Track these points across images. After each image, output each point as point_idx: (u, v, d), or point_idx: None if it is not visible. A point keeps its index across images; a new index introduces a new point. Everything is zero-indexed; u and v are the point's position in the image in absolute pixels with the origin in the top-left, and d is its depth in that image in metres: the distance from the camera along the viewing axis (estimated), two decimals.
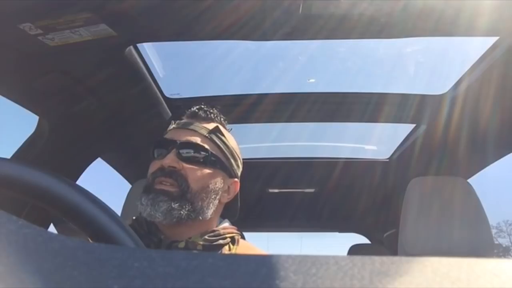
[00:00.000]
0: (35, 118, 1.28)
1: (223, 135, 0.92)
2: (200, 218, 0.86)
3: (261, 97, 1.55)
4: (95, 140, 1.51)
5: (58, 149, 1.37)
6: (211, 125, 0.92)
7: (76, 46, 1.03)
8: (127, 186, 1.80)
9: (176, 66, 1.57)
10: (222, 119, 0.96)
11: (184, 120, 0.94)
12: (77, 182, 1.49)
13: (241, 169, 0.98)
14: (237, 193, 0.97)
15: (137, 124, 1.55)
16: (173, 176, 0.84)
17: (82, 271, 0.22)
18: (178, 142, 0.86)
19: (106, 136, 1.54)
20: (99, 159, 1.63)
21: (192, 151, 0.87)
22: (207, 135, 0.89)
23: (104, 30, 0.98)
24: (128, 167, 1.87)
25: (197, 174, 0.86)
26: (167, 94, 1.53)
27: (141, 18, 0.99)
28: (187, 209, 0.83)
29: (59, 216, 0.40)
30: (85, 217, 0.39)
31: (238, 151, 0.96)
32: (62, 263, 0.22)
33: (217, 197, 0.89)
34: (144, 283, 0.21)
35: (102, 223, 0.39)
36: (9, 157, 1.29)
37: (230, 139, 0.94)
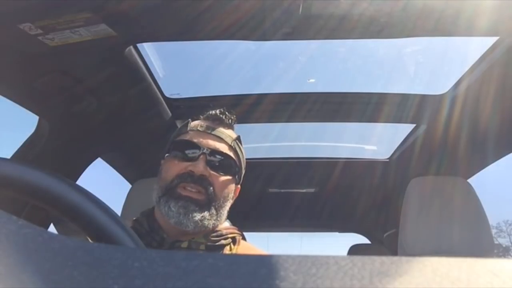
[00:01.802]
0: (35, 118, 1.28)
1: (242, 144, 0.94)
2: (217, 224, 0.88)
3: (261, 97, 1.55)
4: (95, 140, 1.51)
5: (58, 149, 1.37)
6: (232, 133, 0.93)
7: (76, 46, 1.03)
8: (127, 186, 1.80)
9: (176, 66, 1.57)
10: (234, 124, 0.97)
11: (206, 123, 0.93)
12: (77, 182, 1.49)
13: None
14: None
15: (137, 124, 1.55)
16: (203, 184, 0.84)
17: (82, 271, 0.22)
18: (208, 149, 0.86)
19: (106, 136, 1.54)
20: (99, 159, 1.63)
21: (220, 159, 0.87)
22: (231, 143, 0.90)
23: (104, 30, 0.98)
24: (128, 167, 1.87)
25: (222, 182, 0.87)
26: (167, 94, 1.53)
27: (141, 18, 0.99)
28: (214, 218, 0.84)
29: (59, 216, 0.40)
30: (85, 217, 0.39)
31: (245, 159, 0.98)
32: (62, 263, 0.22)
33: (230, 203, 0.91)
34: (144, 283, 0.21)
35: (102, 223, 0.39)
36: (9, 157, 1.29)
37: (243, 147, 0.96)
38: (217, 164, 0.87)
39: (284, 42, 1.16)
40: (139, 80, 1.33)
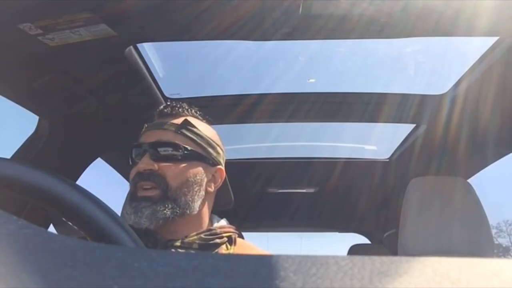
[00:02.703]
0: (35, 118, 1.28)
1: (193, 126, 0.91)
2: (188, 212, 0.86)
3: (261, 97, 1.55)
4: (95, 140, 1.51)
5: (58, 149, 1.37)
6: (179, 120, 0.91)
7: (76, 46, 1.03)
8: (127, 186, 1.80)
9: (176, 66, 1.57)
10: (193, 111, 0.95)
11: (153, 121, 0.94)
12: (77, 182, 1.49)
13: (223, 155, 0.97)
14: (225, 179, 0.97)
15: (137, 124, 1.55)
16: (151, 178, 0.84)
17: (82, 271, 0.22)
18: (149, 145, 0.87)
19: (106, 136, 1.54)
20: (99, 159, 1.63)
21: (164, 149, 0.87)
22: (176, 130, 0.89)
23: (104, 30, 0.98)
24: (128, 167, 1.86)
25: (174, 171, 0.86)
26: (167, 94, 1.53)
27: (141, 18, 0.99)
28: (170, 207, 0.83)
29: (59, 216, 0.40)
30: (85, 217, 0.39)
31: (215, 138, 0.96)
32: (62, 263, 0.22)
33: (201, 188, 0.89)
34: (144, 283, 0.21)
35: (102, 223, 0.39)
36: (9, 157, 1.29)
37: (204, 128, 0.94)
38: (162, 155, 0.87)
39: (284, 42, 1.16)
40: (139, 80, 1.33)
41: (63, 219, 0.41)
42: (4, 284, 0.19)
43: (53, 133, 1.30)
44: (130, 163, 0.92)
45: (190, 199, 0.87)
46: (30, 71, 1.11)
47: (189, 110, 0.95)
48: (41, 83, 1.14)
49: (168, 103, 0.95)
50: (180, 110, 0.93)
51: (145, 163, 0.85)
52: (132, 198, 0.85)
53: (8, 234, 0.23)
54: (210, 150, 0.93)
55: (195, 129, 0.91)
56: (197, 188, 0.88)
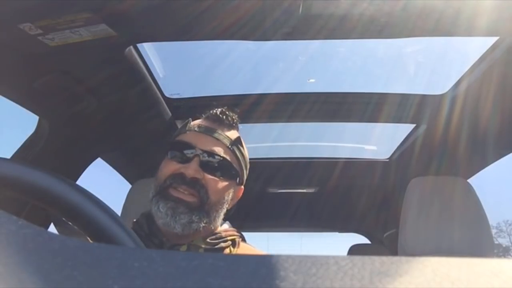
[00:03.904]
0: (35, 118, 1.28)
1: (242, 146, 0.91)
2: (212, 227, 0.86)
3: (261, 97, 1.55)
4: (95, 140, 1.51)
5: (58, 149, 1.37)
6: (232, 134, 0.90)
7: (76, 46, 1.03)
8: (127, 186, 1.80)
9: (176, 66, 1.57)
10: (238, 124, 0.94)
11: (205, 123, 0.90)
12: (77, 182, 1.49)
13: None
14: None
15: (137, 124, 1.55)
16: (195, 187, 0.82)
17: (82, 271, 0.22)
18: (202, 151, 0.84)
19: (106, 136, 1.54)
20: (99, 159, 1.63)
21: (215, 162, 0.85)
22: (230, 145, 0.87)
23: (104, 30, 0.98)
24: (128, 167, 1.87)
25: (217, 186, 0.84)
26: (167, 94, 1.53)
27: (141, 18, 0.99)
28: (205, 221, 0.82)
29: (60, 216, 0.40)
30: (85, 217, 0.39)
31: (248, 159, 0.95)
32: (62, 263, 0.22)
33: (227, 206, 0.89)
34: (144, 283, 0.21)
35: (102, 224, 0.39)
36: (9, 157, 1.29)
37: (245, 148, 0.93)
38: (211, 167, 0.84)
39: (284, 42, 1.16)
40: (139, 80, 1.33)
41: (63, 219, 0.41)
42: (4, 284, 0.19)
43: (53, 133, 1.30)
44: (169, 156, 0.87)
45: (218, 215, 0.86)
46: (30, 71, 1.11)
47: (238, 123, 0.93)
48: (41, 83, 1.14)
49: (224, 110, 0.91)
50: (233, 122, 0.91)
51: (194, 171, 0.82)
52: (165, 196, 0.81)
53: (8, 234, 0.23)
54: (245, 171, 0.93)
55: (242, 149, 0.90)
56: (225, 206, 0.88)
